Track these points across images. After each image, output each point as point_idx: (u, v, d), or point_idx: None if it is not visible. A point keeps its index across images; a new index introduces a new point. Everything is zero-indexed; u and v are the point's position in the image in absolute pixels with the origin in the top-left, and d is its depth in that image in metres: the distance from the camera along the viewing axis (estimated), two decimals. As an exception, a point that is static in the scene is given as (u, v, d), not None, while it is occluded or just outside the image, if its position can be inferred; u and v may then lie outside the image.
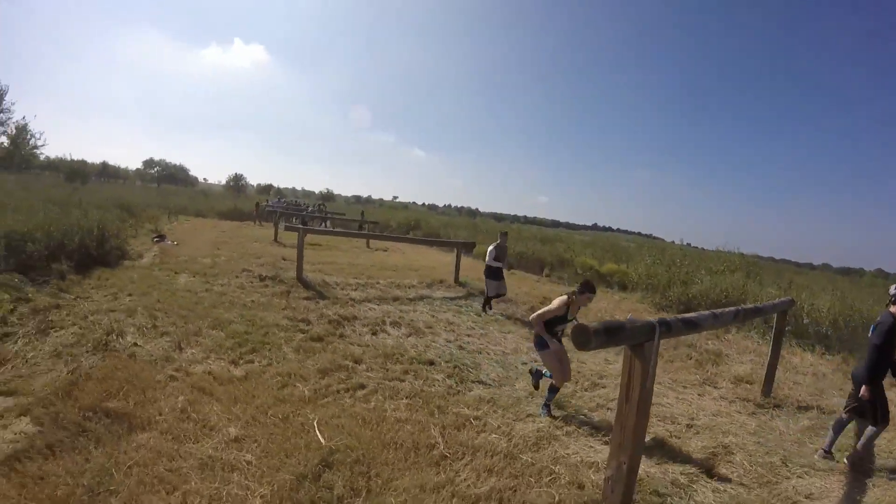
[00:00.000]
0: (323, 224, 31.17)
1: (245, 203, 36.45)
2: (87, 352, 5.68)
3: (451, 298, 11.91)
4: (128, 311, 7.51)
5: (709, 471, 4.63)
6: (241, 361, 6.06)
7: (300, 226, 15.03)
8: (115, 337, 6.21)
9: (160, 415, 4.40)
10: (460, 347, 8.00)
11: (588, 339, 3.11)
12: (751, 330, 11.19)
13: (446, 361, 7.08)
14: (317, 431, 4.37)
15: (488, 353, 7.92)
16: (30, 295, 7.71)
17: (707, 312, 4.66)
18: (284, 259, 13.94)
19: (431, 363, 6.93)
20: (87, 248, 10.64)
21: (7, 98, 25.75)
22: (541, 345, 5.57)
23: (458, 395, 5.82)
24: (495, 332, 9.35)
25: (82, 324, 6.67)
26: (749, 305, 6.17)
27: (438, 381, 6.25)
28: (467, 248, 15.34)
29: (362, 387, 5.68)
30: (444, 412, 5.21)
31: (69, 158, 56.08)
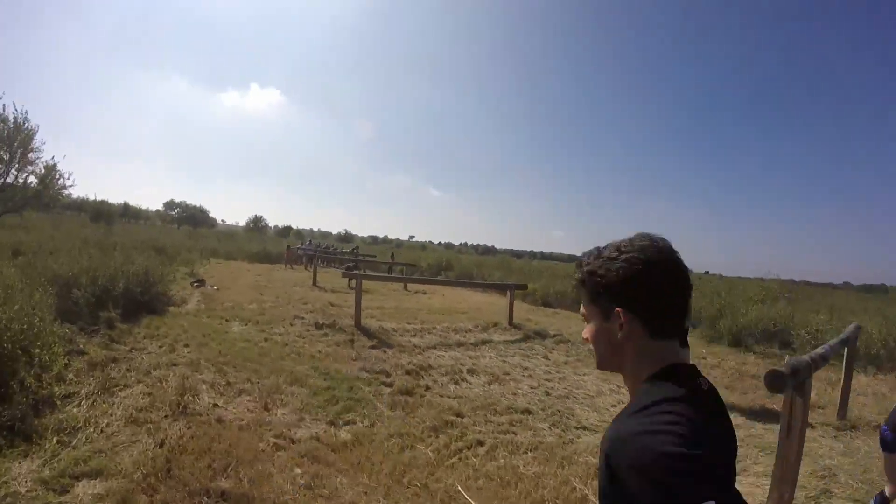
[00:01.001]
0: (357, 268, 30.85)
1: (273, 245, 36.03)
2: (166, 416, 4.97)
3: (512, 342, 11.24)
4: (191, 364, 6.87)
5: (826, 492, 4.69)
6: (340, 422, 5.44)
7: (356, 272, 14.47)
8: (190, 397, 5.51)
9: (284, 493, 3.74)
10: (546, 393, 7.48)
11: (783, 382, 3.24)
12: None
13: (542, 409, 6.65)
14: (468, 498, 3.99)
15: (576, 398, 7.44)
16: (82, 346, 7.08)
17: (829, 345, 4.80)
18: (333, 305, 13.28)
19: (528, 412, 6.46)
20: (132, 294, 10.01)
21: (37, 138, 25.44)
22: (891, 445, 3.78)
23: (572, 444, 5.51)
24: (571, 374, 8.79)
25: (147, 381, 6.01)
26: (839, 336, 6.22)
27: (545, 430, 5.90)
28: (519, 289, 14.65)
29: (480, 443, 5.24)
30: (573, 462, 4.90)
31: (91, 199, 55.98)
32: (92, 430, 4.53)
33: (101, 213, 52.36)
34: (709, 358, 11.52)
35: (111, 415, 4.90)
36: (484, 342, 10.83)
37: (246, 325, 9.98)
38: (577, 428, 6.06)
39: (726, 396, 7.14)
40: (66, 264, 9.68)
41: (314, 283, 18.45)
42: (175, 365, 6.81)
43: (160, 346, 7.81)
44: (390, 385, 6.93)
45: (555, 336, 11.96)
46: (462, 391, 7.16)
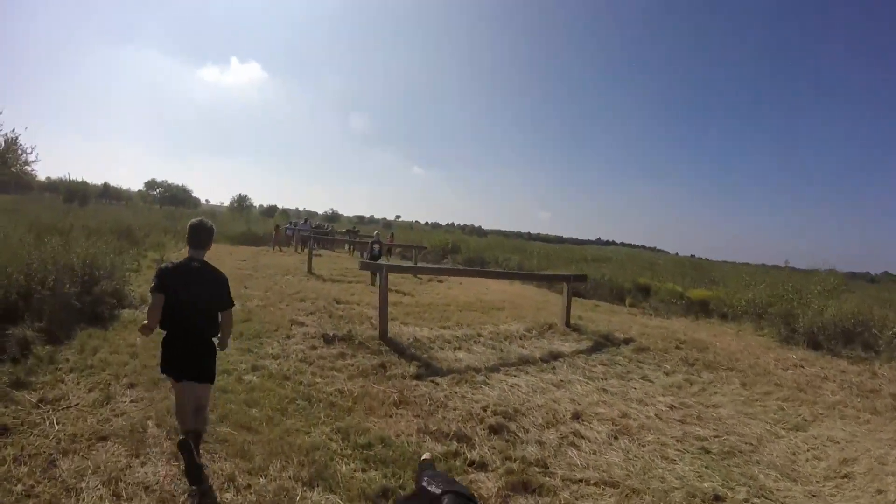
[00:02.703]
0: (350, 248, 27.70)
1: (259, 226, 32.26)
2: None
3: (585, 352, 8.56)
4: (131, 434, 4.04)
5: None
6: None
7: (379, 262, 11.48)
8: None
9: None
10: (704, 451, 5.01)
11: None
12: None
13: (728, 488, 4.25)
14: None
15: (746, 456, 5.03)
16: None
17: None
18: (339, 302, 10.37)
19: (718, 498, 4.06)
20: (65, 297, 7.06)
21: (-6, 110, 22.43)
22: None
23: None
24: (700, 406, 6.43)
25: (48, 488, 3.15)
26: None
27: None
28: (579, 281, 11.74)
29: None
30: None
31: (69, 179, 52.29)
32: None
33: (75, 193, 48.76)
34: (806, 366, 9.11)
35: None
36: (553, 356, 8.06)
37: (226, 340, 7.09)
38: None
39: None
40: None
41: (309, 270, 15.48)
42: (103, 440, 3.97)
43: (90, 391, 4.99)
44: (484, 466, 4.16)
45: (629, 342, 9.42)
46: (591, 461, 4.49)
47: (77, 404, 4.66)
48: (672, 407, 6.18)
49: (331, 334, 7.37)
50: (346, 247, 28.01)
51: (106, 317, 7.50)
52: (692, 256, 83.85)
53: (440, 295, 13.47)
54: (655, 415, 5.88)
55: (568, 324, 10.33)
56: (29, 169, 26.03)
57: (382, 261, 15.25)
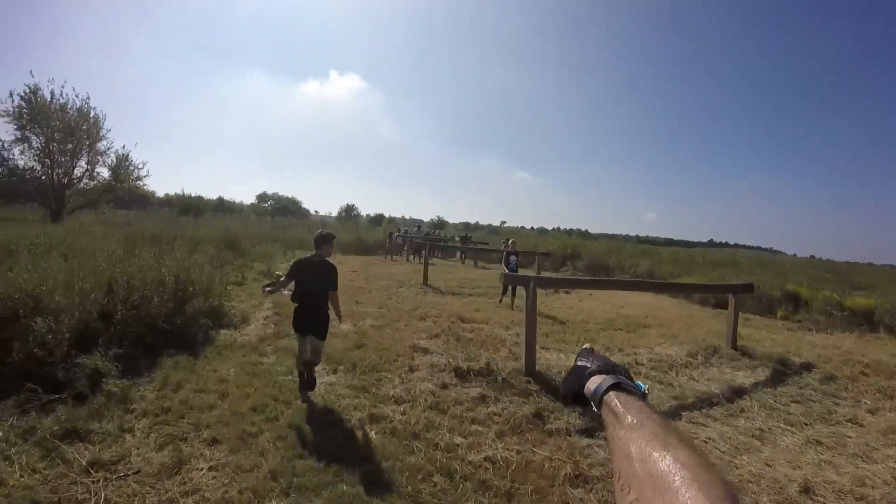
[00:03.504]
0: (462, 255, 26.23)
1: (368, 234, 31.61)
2: None
3: (768, 384, 6.83)
4: None
5: None
6: None
7: (531, 275, 9.75)
8: None
9: None
10: None
11: None
12: None
13: None
14: None
15: None
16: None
17: None
18: (463, 321, 8.84)
19: None
20: (152, 318, 5.96)
21: (104, 125, 23.01)
22: None
23: None
24: None
25: None
26: None
27: None
28: (746, 292, 9.53)
29: None
30: None
31: (183, 194, 54.69)
32: None
33: (190, 206, 50.67)
34: None
35: None
36: (734, 391, 6.31)
37: (334, 374, 5.73)
38: None
39: None
40: (34, 275, 5.66)
41: (425, 282, 14.07)
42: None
43: (158, 447, 3.77)
44: None
45: (809, 368, 7.66)
46: None
47: (138, 471, 3.40)
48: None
49: (464, 367, 5.79)
50: (459, 255, 26.56)
51: (199, 340, 6.39)
52: (812, 257, 76.97)
53: (574, 309, 11.66)
54: (894, 477, 4.22)
55: (734, 346, 8.44)
56: (141, 184, 26.71)
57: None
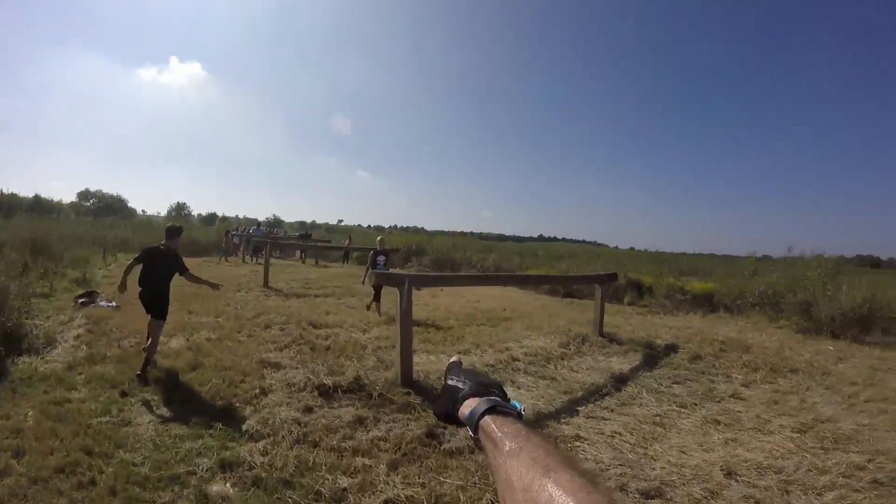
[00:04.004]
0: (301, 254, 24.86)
1: (202, 234, 28.65)
2: None
3: (645, 368, 7.14)
4: None
5: None
6: None
7: (404, 273, 8.82)
8: None
9: None
10: (878, 483, 3.94)
11: None
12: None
13: None
14: None
15: None
16: None
17: None
18: (315, 326, 8.04)
19: None
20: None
21: None
22: None
23: None
24: (815, 422, 5.28)
25: None
26: None
27: None
28: (611, 281, 9.77)
29: None
30: None
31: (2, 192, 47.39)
32: None
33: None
34: (852, 358, 8.62)
35: None
36: (617, 378, 6.44)
37: (169, 404, 4.72)
38: None
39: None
40: None
41: (266, 284, 12.90)
42: None
43: None
44: None
45: (675, 349, 8.17)
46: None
47: None
48: (799, 431, 4.93)
49: (329, 383, 5.02)
50: (298, 254, 25.13)
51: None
52: (632, 249, 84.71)
53: (430, 306, 11.24)
54: (798, 447, 4.54)
55: (601, 333, 8.77)
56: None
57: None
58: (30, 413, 4.26)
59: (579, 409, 5.14)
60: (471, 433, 0.79)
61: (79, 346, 6.38)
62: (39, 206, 69.17)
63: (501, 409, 0.78)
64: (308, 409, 4.56)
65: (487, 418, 0.76)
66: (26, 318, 7.01)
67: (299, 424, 4.26)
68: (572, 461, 0.63)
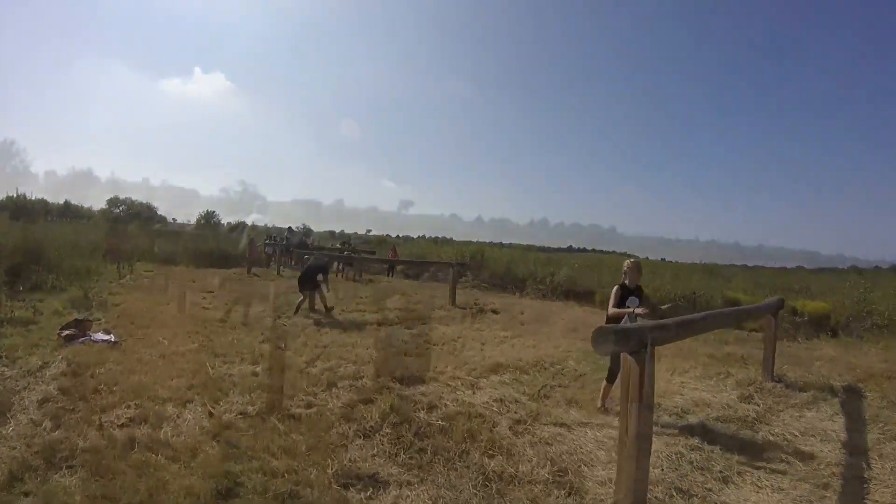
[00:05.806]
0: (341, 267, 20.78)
1: (228, 244, 24.91)
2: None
3: (857, 425, 5.22)
4: None
5: None
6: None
7: (642, 323, 3.99)
8: None
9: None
10: None
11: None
12: None
13: None
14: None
15: None
16: None
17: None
18: (401, 382, 5.50)
19: None
20: None
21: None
22: None
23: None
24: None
25: None
26: None
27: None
28: (779, 308, 7.50)
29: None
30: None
31: (18, 195, 46.06)
32: None
33: (22, 210, 42.77)
34: None
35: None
36: (855, 450, 4.62)
37: None
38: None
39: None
40: None
41: (313, 308, 10.11)
42: None
43: None
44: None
45: (860, 392, 6.61)
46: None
47: None
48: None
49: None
50: (336, 266, 20.48)
51: None
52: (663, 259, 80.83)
53: (516, 347, 8.65)
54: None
55: (773, 376, 7.00)
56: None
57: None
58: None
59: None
60: None
61: (40, 423, 3.96)
62: (69, 212, 68.23)
63: None
64: None
65: None
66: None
67: None
68: None
